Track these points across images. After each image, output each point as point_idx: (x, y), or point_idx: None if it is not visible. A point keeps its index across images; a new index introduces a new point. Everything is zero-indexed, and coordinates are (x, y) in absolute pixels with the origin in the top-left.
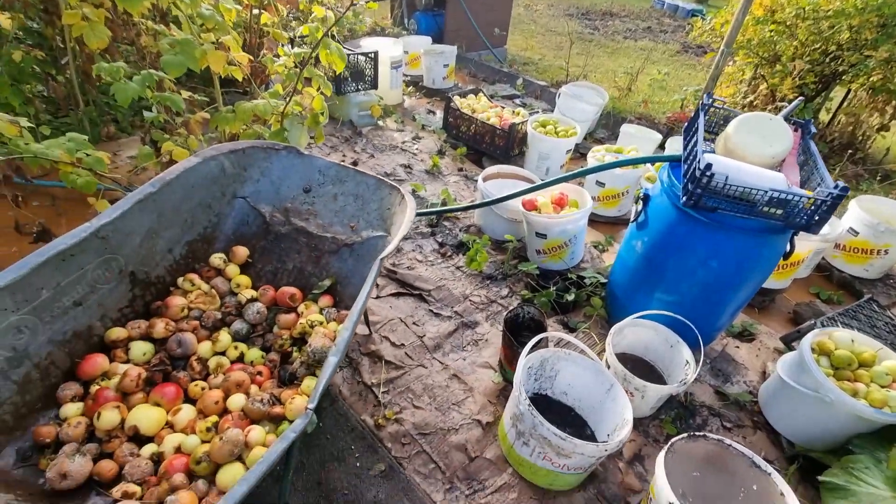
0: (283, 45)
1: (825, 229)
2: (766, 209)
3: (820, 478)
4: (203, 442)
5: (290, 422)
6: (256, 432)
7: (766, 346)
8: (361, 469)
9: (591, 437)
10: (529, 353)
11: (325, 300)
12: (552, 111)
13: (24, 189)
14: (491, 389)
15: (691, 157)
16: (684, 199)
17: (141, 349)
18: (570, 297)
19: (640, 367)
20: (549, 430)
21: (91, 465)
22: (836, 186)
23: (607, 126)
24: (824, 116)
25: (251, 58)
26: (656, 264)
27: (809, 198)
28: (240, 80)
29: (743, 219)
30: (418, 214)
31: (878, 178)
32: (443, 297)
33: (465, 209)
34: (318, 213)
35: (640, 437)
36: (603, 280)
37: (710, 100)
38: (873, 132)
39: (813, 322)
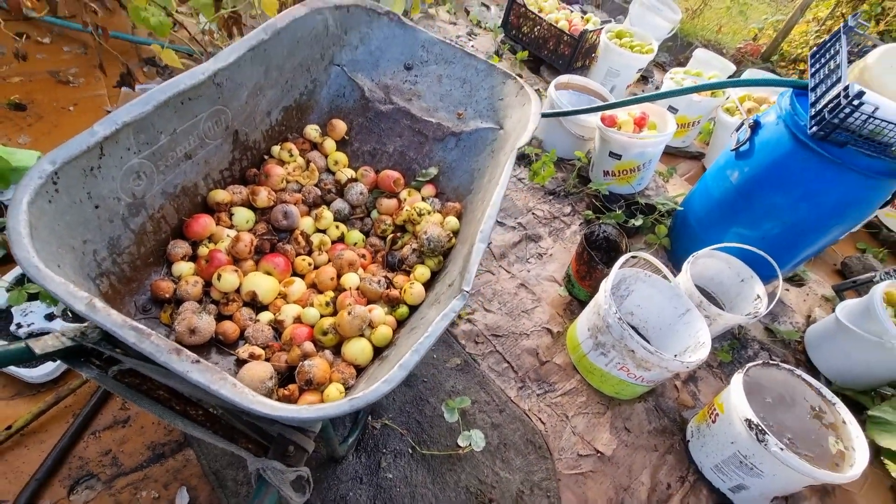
0: None
1: None
2: None
3: (869, 412)
4: (322, 316)
5: (409, 306)
6: (378, 312)
7: (814, 292)
8: (438, 362)
9: None
10: (618, 269)
11: (428, 189)
12: (613, 24)
13: (51, 30)
14: (558, 301)
15: (827, 85)
16: (814, 128)
17: (244, 216)
18: (638, 223)
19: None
20: (637, 343)
21: (215, 325)
22: None
23: (670, 50)
24: None
25: None
26: (750, 197)
27: None
28: None
29: (868, 158)
30: (544, 115)
31: None
32: (506, 207)
33: (588, 111)
34: (422, 94)
35: None
36: (673, 208)
37: (855, 22)
38: None
39: (872, 275)
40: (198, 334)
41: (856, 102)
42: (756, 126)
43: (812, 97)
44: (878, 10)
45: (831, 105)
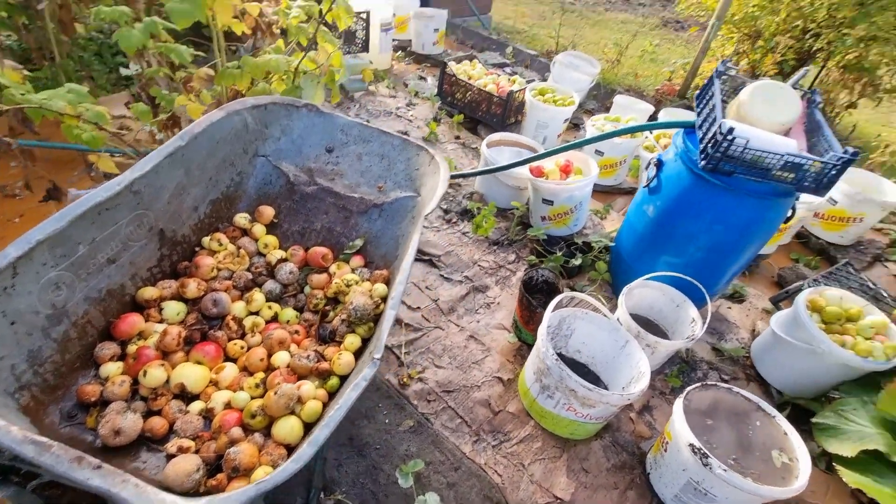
0: None
1: (809, 198)
2: (779, 173)
3: (813, 420)
4: (252, 398)
5: (339, 377)
6: (307, 387)
7: (755, 306)
8: (391, 426)
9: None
10: (552, 311)
11: (357, 260)
12: (542, 81)
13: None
14: (507, 349)
15: (708, 123)
16: (703, 162)
17: (175, 309)
18: (577, 262)
19: (645, 325)
20: (576, 382)
21: (142, 422)
22: (845, 151)
23: (596, 97)
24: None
25: (262, 7)
26: (667, 228)
27: (821, 162)
28: (239, 33)
29: (756, 183)
30: (452, 177)
31: None
32: (452, 263)
33: (490, 172)
34: (344, 173)
35: (647, 390)
36: (608, 245)
37: (725, 67)
38: (842, 110)
39: (801, 283)
40: (123, 434)
41: (730, 137)
42: (660, 164)
43: (700, 134)
44: (772, 44)
45: (712, 141)
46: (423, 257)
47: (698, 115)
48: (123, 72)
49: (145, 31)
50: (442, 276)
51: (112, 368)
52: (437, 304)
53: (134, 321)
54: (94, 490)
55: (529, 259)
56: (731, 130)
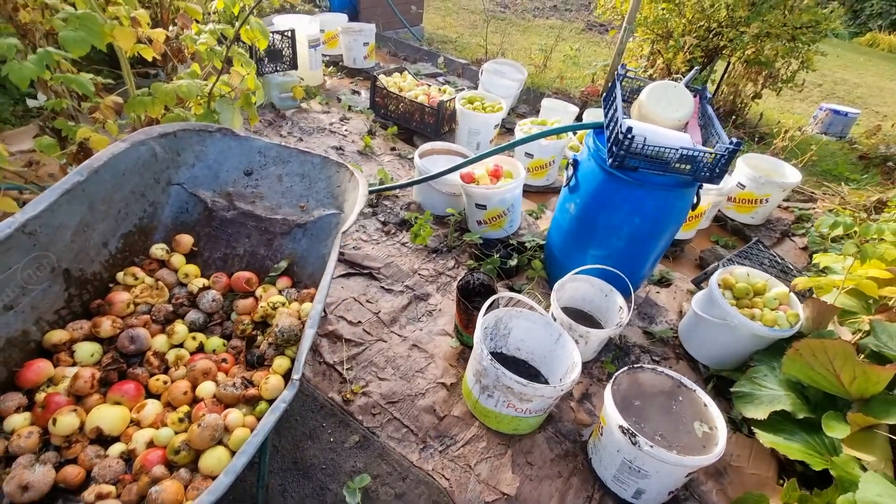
0: (197, 22)
1: (721, 183)
2: (677, 166)
3: (732, 389)
4: (177, 433)
5: (268, 401)
6: (234, 415)
7: (680, 289)
8: (336, 443)
9: (546, 383)
10: (485, 313)
11: (283, 281)
12: (475, 88)
13: None
14: (450, 354)
15: (613, 123)
16: (610, 160)
17: (88, 350)
18: (514, 262)
19: (580, 317)
20: (511, 379)
21: (54, 473)
22: (731, 142)
23: (527, 101)
24: (710, 87)
25: (168, 34)
26: (588, 223)
27: (711, 153)
28: (149, 59)
29: (659, 175)
30: (371, 191)
31: (756, 139)
32: (392, 274)
33: (414, 183)
34: (265, 195)
35: (586, 378)
36: (541, 243)
37: (624, 70)
38: (749, 100)
39: (716, 264)
40: (33, 489)
41: (629, 136)
42: (576, 164)
43: (607, 134)
44: (681, 43)
45: (615, 140)
46: (362, 271)
47: (605, 116)
48: (31, 103)
49: (39, 64)
50: (383, 287)
51: (17, 420)
52: (378, 316)
53: (41, 368)
54: None
55: (468, 264)
56: (629, 129)
